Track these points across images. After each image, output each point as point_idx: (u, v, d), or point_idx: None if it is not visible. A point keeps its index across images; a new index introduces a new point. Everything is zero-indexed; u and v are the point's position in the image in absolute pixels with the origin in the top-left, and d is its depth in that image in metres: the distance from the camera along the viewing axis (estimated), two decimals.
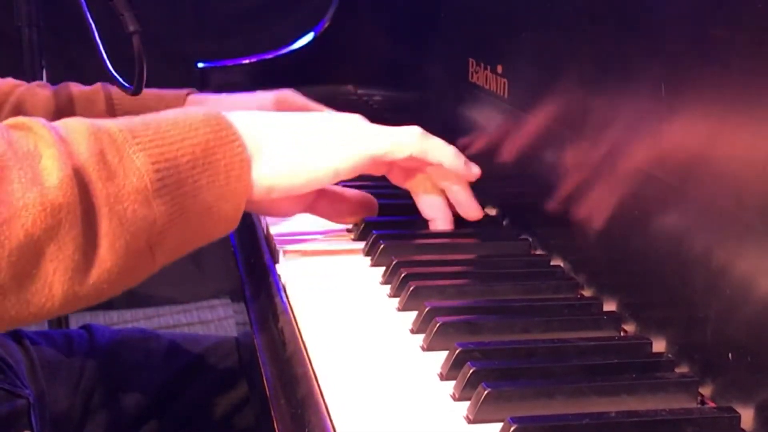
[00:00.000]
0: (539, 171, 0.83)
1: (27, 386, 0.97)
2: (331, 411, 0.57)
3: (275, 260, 0.82)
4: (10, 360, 0.98)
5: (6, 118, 1.10)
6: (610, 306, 0.71)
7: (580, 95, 0.75)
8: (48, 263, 0.61)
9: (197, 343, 1.14)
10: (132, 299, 2.51)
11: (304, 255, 0.82)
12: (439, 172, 0.82)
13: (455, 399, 0.58)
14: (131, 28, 0.96)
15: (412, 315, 0.69)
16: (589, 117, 0.74)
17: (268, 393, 0.66)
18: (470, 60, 0.97)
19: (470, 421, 0.56)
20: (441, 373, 0.61)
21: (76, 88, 1.14)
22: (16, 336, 1.04)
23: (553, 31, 0.81)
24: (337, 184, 0.82)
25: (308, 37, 1.48)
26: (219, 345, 1.14)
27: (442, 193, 0.84)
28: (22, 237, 0.59)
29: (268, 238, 0.87)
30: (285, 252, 0.81)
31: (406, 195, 0.85)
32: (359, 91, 1.49)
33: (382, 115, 1.16)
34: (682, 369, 0.61)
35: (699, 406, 0.58)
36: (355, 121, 0.79)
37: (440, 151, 0.80)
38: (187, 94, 1.14)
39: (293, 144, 0.74)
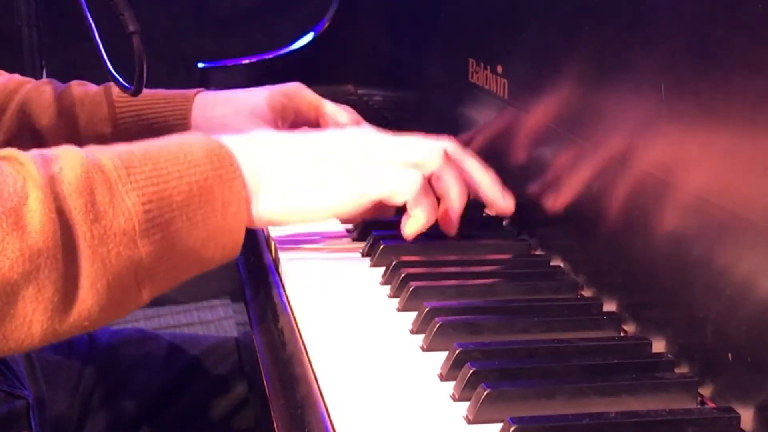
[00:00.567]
0: (539, 171, 0.83)
1: (26, 387, 0.96)
2: (330, 411, 0.57)
3: (275, 260, 0.82)
4: (9, 360, 0.97)
5: (12, 116, 1.10)
6: (610, 306, 0.71)
7: (580, 95, 0.75)
8: (27, 304, 0.61)
9: (197, 344, 1.14)
10: None
11: (304, 255, 0.82)
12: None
13: (455, 399, 0.58)
14: (131, 28, 0.96)
15: (412, 315, 0.69)
16: (589, 117, 0.74)
17: (267, 393, 0.66)
18: (470, 60, 0.97)
19: (470, 422, 0.56)
20: (441, 374, 0.61)
21: (82, 88, 1.14)
22: None
23: (553, 32, 0.81)
24: None
25: (308, 37, 1.48)
26: (219, 345, 1.14)
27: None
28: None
29: (268, 238, 0.87)
30: (285, 252, 0.81)
31: None
32: (359, 91, 1.49)
33: (382, 115, 1.16)
34: (682, 369, 0.61)
35: (699, 406, 0.58)
36: (363, 151, 0.76)
37: (423, 214, 0.77)
38: (196, 94, 1.14)
39: (295, 182, 0.74)
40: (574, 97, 0.77)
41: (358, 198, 0.75)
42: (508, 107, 0.88)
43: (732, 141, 0.57)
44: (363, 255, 0.82)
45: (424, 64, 1.17)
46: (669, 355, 0.63)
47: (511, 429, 0.53)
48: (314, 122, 1.11)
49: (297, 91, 1.13)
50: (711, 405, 0.58)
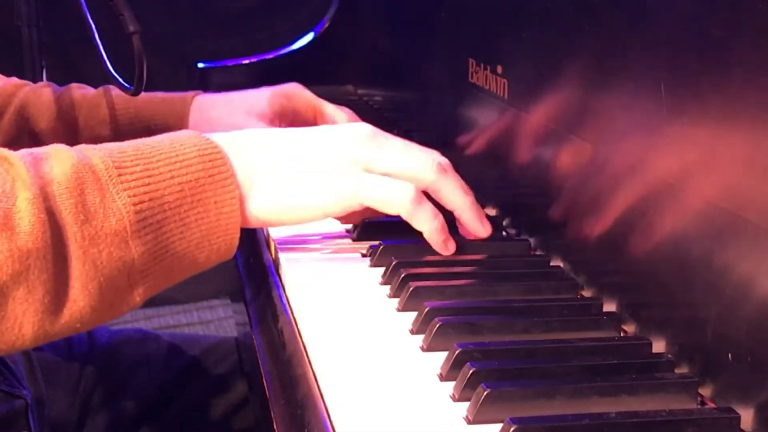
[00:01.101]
0: (539, 171, 0.82)
1: (25, 387, 0.97)
2: (330, 411, 0.57)
3: (275, 261, 0.82)
4: (9, 361, 0.97)
5: (10, 119, 1.10)
6: (610, 306, 0.71)
7: (580, 96, 0.75)
8: (17, 306, 0.61)
9: (197, 344, 1.14)
10: None
11: (304, 256, 0.82)
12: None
13: (455, 399, 0.58)
14: (131, 28, 0.96)
15: (412, 315, 0.69)
16: (589, 117, 0.74)
17: (267, 393, 0.66)
18: (470, 60, 0.97)
19: (470, 422, 0.56)
20: (441, 374, 0.61)
21: (80, 91, 1.14)
22: None
23: (553, 32, 0.81)
24: None
25: (308, 37, 1.48)
26: (219, 345, 1.14)
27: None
28: None
29: (267, 238, 0.87)
30: (285, 252, 0.81)
31: None
32: (359, 91, 1.49)
33: (382, 115, 1.16)
34: (682, 369, 0.61)
35: (699, 406, 0.58)
36: (354, 154, 0.76)
37: (426, 224, 0.77)
38: (194, 96, 1.14)
39: (286, 182, 0.73)
40: (574, 97, 0.77)
41: (350, 201, 0.75)
42: (508, 107, 0.88)
43: (732, 141, 0.57)
44: (363, 255, 0.82)
45: (424, 64, 1.17)
46: (669, 355, 0.63)
47: (511, 429, 0.53)
48: (312, 123, 1.11)
49: (295, 92, 1.13)
50: (711, 405, 0.58)
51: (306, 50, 1.48)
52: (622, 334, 0.68)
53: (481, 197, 0.86)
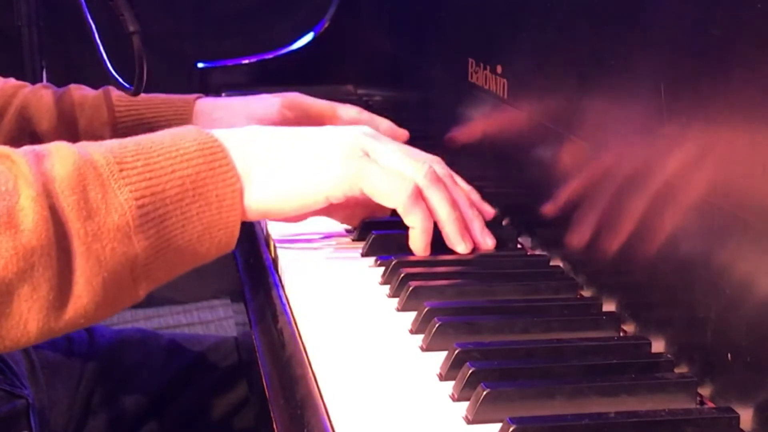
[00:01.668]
0: (539, 171, 0.83)
1: (26, 387, 0.97)
2: (330, 411, 0.57)
3: (275, 260, 0.82)
4: (10, 360, 0.97)
5: (10, 121, 1.10)
6: (609, 306, 0.71)
7: (580, 96, 0.75)
8: (22, 303, 0.61)
9: (197, 344, 1.14)
10: None
11: (303, 255, 0.82)
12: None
13: (454, 399, 0.58)
14: (131, 28, 0.96)
15: (412, 315, 0.69)
16: (589, 117, 0.74)
17: (267, 393, 0.66)
18: (470, 60, 0.97)
19: (469, 422, 0.56)
20: (440, 374, 0.61)
21: (81, 92, 1.14)
22: None
23: (553, 32, 0.81)
24: None
25: (308, 37, 1.48)
26: (219, 345, 1.14)
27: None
28: None
29: (267, 238, 0.87)
30: (285, 252, 0.81)
31: None
32: (359, 91, 1.49)
33: (382, 114, 1.16)
34: (682, 369, 0.61)
35: (698, 406, 0.58)
36: (353, 144, 0.76)
37: (417, 222, 0.77)
38: (196, 99, 1.14)
39: (286, 171, 0.74)
40: (573, 97, 0.77)
41: (351, 186, 0.75)
42: (508, 107, 0.88)
43: (732, 141, 0.57)
44: (363, 255, 0.82)
45: (424, 64, 1.17)
46: (668, 355, 0.63)
47: (511, 429, 0.53)
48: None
49: (299, 102, 1.14)
50: (710, 405, 0.58)
51: (306, 50, 1.48)
52: (621, 334, 0.68)
53: (482, 197, 0.85)
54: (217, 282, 2.48)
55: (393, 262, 0.76)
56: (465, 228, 0.80)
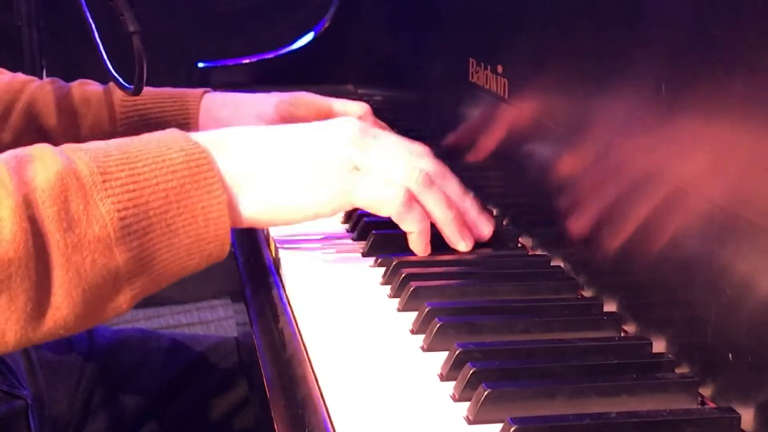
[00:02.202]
0: (539, 171, 0.82)
1: (25, 387, 0.96)
2: (330, 411, 0.57)
3: (275, 261, 0.82)
4: (9, 360, 0.97)
5: (18, 116, 1.10)
6: (610, 306, 0.71)
7: (580, 95, 0.75)
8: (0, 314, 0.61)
9: (197, 343, 1.14)
10: None
11: (304, 255, 0.82)
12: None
13: (455, 399, 0.58)
14: (131, 28, 0.96)
15: (412, 315, 0.69)
16: (589, 117, 0.74)
17: (267, 393, 0.66)
18: (470, 60, 0.97)
19: (470, 422, 0.56)
20: (441, 374, 0.61)
21: (87, 87, 1.13)
22: None
23: (553, 31, 0.81)
24: None
25: (308, 37, 1.48)
26: (219, 345, 1.14)
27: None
28: None
29: (267, 238, 0.87)
30: (285, 252, 0.81)
31: None
32: (359, 91, 1.49)
33: (382, 114, 1.16)
34: (682, 369, 0.61)
35: (699, 406, 0.58)
36: (343, 154, 0.75)
37: (413, 226, 0.77)
38: (203, 94, 1.13)
39: (275, 183, 0.73)
40: (574, 97, 0.77)
41: (341, 203, 0.75)
42: (509, 107, 0.88)
43: (732, 141, 0.57)
44: (363, 255, 0.82)
45: (424, 64, 1.17)
46: (669, 355, 0.63)
47: (512, 429, 0.52)
48: None
49: (304, 100, 1.13)
50: (711, 405, 0.58)
51: (306, 50, 1.48)
52: (622, 334, 0.68)
53: (482, 197, 0.85)
54: (217, 282, 2.48)
55: (393, 262, 0.76)
56: (463, 225, 0.79)
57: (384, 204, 0.75)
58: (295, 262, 0.79)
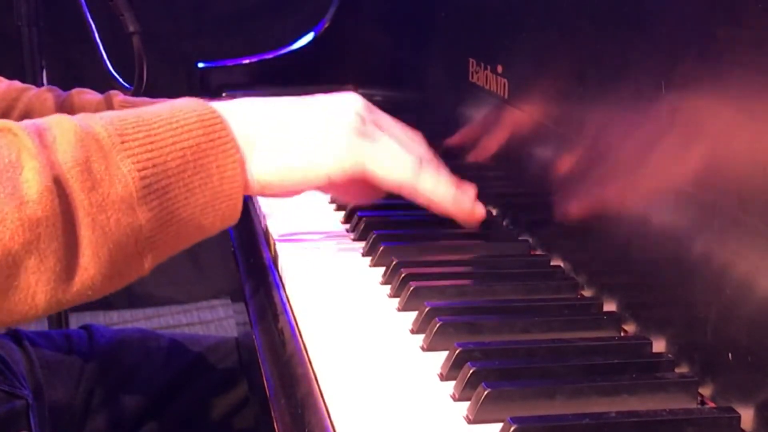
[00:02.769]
0: (539, 171, 0.83)
1: (26, 387, 0.96)
2: (330, 411, 0.57)
3: (275, 260, 0.82)
4: (9, 360, 0.97)
5: None
6: (610, 306, 0.71)
7: (580, 95, 0.75)
8: (29, 275, 0.61)
9: (197, 343, 1.14)
10: (132, 299, 2.51)
11: (304, 255, 0.82)
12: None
13: (455, 399, 0.58)
14: (131, 28, 0.96)
15: (412, 315, 0.69)
16: (589, 117, 0.74)
17: (268, 393, 0.66)
18: (470, 60, 0.97)
19: (470, 422, 0.56)
20: (441, 374, 0.61)
21: (84, 96, 1.13)
22: (16, 336, 1.04)
23: (553, 32, 0.81)
24: None
25: (308, 37, 1.48)
26: (219, 345, 1.14)
27: None
28: (0, 252, 0.59)
29: (267, 238, 0.87)
30: (285, 252, 0.81)
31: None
32: (359, 91, 1.48)
33: None
34: (682, 369, 0.61)
35: (699, 406, 0.58)
36: (354, 119, 0.77)
37: (433, 193, 0.77)
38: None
39: (287, 144, 0.74)
40: (574, 97, 0.77)
41: (353, 165, 0.75)
42: (508, 107, 0.88)
43: (732, 141, 0.57)
44: (363, 255, 0.82)
45: (425, 64, 1.17)
46: (669, 355, 0.63)
47: (512, 429, 0.53)
48: None
49: None
50: (711, 405, 0.58)
51: (306, 50, 1.47)
52: (622, 334, 0.68)
53: (482, 197, 0.85)
54: (217, 282, 2.48)
55: (394, 262, 0.76)
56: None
57: (397, 169, 0.75)
58: (295, 262, 0.79)
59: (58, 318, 1.81)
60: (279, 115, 0.75)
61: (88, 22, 1.05)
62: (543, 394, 0.57)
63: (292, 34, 1.49)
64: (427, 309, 0.67)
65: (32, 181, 0.61)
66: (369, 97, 1.43)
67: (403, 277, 0.73)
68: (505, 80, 0.89)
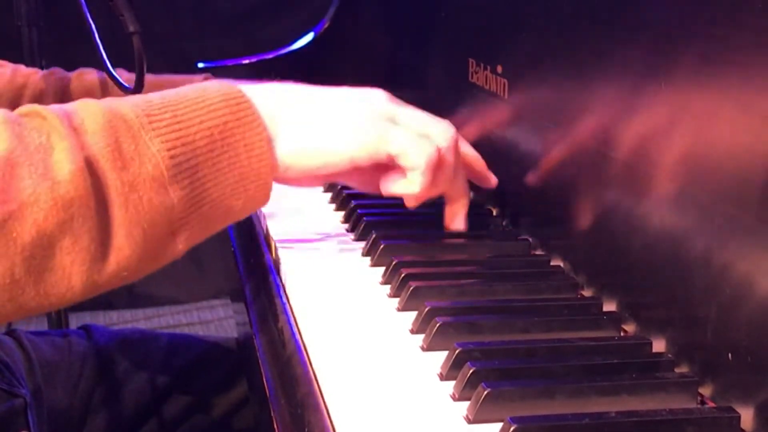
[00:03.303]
0: (539, 171, 0.82)
1: (24, 386, 0.96)
2: (330, 411, 0.57)
3: (275, 261, 0.82)
4: (8, 360, 0.97)
5: None
6: (610, 306, 0.71)
7: (580, 95, 0.75)
8: (65, 256, 0.61)
9: (197, 343, 1.14)
10: (132, 299, 2.51)
11: (304, 255, 0.82)
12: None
13: (455, 399, 0.58)
14: (131, 28, 0.96)
15: (412, 315, 0.69)
16: (589, 117, 0.74)
17: (267, 393, 0.66)
18: (470, 60, 0.97)
19: (470, 421, 0.56)
20: (441, 373, 0.61)
21: (89, 77, 1.14)
22: (15, 335, 1.03)
23: (553, 32, 0.81)
24: None
25: (308, 37, 1.48)
26: (219, 345, 1.14)
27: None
28: (35, 232, 0.59)
29: (267, 238, 0.87)
30: (285, 252, 0.81)
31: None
32: None
33: None
34: (682, 369, 0.61)
35: (699, 406, 0.58)
36: (379, 105, 0.77)
37: (449, 186, 0.80)
38: (203, 80, 1.13)
39: (312, 125, 0.74)
40: (574, 97, 0.77)
41: (376, 147, 0.75)
42: (508, 107, 0.88)
43: (732, 141, 0.57)
44: (363, 255, 0.82)
45: (424, 64, 1.17)
46: (669, 355, 0.63)
47: (511, 429, 0.53)
48: None
49: None
50: (711, 405, 0.58)
51: (306, 50, 1.47)
52: (622, 334, 0.68)
53: (482, 197, 0.86)
54: (217, 282, 2.48)
55: (393, 262, 0.76)
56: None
57: (416, 154, 0.75)
58: (295, 262, 0.79)
59: (58, 318, 1.81)
60: (305, 98, 0.75)
61: (88, 22, 1.05)
62: (543, 394, 0.57)
63: (292, 34, 1.49)
64: (426, 309, 0.67)
65: (64, 162, 0.61)
66: None
67: (403, 277, 0.73)
68: (505, 80, 0.89)
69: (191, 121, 0.67)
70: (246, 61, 1.48)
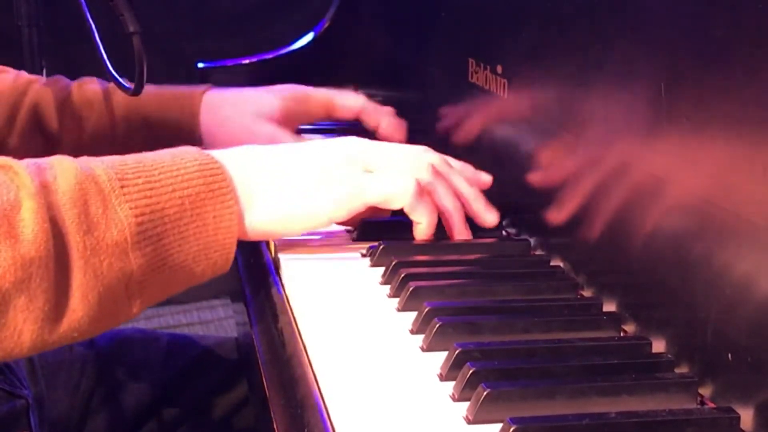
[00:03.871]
0: (539, 171, 0.82)
1: (26, 387, 0.96)
2: (330, 411, 0.57)
3: (275, 260, 0.82)
4: (10, 361, 0.97)
5: (24, 118, 1.10)
6: (609, 306, 0.71)
7: (580, 95, 0.75)
8: (18, 314, 0.61)
9: (197, 343, 1.14)
10: None
11: (304, 255, 0.82)
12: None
13: (455, 399, 0.58)
14: (131, 28, 0.96)
15: (412, 315, 0.69)
16: (589, 117, 0.74)
17: (267, 393, 0.66)
18: (470, 60, 0.97)
19: (470, 422, 0.56)
20: (440, 374, 0.61)
21: (90, 87, 1.13)
22: None
23: (553, 32, 0.81)
24: None
25: (308, 37, 1.48)
26: (219, 345, 1.14)
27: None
28: None
29: None
30: (285, 252, 0.81)
31: None
32: (359, 91, 1.49)
33: None
34: (682, 369, 0.61)
35: (699, 406, 0.58)
36: (355, 159, 0.78)
37: (424, 217, 0.79)
38: (203, 93, 1.13)
39: (287, 193, 0.75)
40: (574, 97, 0.77)
41: (354, 203, 0.77)
42: (508, 107, 0.88)
43: (732, 141, 0.57)
44: (363, 255, 0.82)
45: (424, 64, 1.17)
46: (669, 355, 0.63)
47: (511, 429, 0.52)
48: (326, 119, 1.15)
49: (304, 95, 1.14)
50: (711, 405, 0.58)
51: (306, 50, 1.47)
52: (622, 334, 0.68)
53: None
54: (217, 282, 2.47)
55: (393, 262, 0.76)
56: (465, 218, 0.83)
57: (397, 196, 0.77)
58: (294, 262, 0.79)
59: None
60: (278, 163, 0.76)
61: (88, 22, 1.05)
62: (543, 394, 0.57)
63: (292, 34, 1.49)
64: (426, 309, 0.67)
65: (28, 221, 0.61)
66: (369, 97, 1.44)
67: (403, 277, 0.73)
68: (505, 80, 0.89)
69: (164, 188, 0.67)
70: (246, 61, 1.48)
